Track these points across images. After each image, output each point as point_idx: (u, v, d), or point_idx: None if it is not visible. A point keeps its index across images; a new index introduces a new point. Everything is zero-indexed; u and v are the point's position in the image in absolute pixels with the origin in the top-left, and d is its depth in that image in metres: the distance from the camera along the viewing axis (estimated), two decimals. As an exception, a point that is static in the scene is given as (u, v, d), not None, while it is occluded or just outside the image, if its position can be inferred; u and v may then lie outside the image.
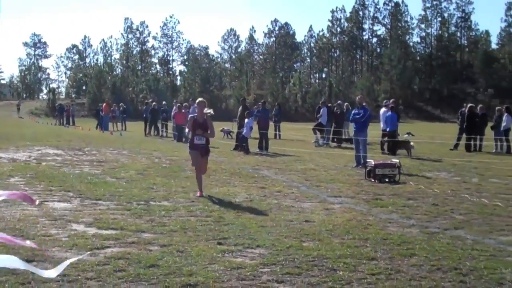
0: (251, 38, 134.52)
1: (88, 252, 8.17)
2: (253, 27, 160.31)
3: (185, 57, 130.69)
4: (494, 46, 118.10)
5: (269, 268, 7.74)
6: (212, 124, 14.56)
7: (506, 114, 28.84)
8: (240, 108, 30.59)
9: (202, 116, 14.33)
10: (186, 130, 14.96)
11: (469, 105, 31.02)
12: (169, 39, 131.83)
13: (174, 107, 38.69)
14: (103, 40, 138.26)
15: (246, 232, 9.83)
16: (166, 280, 7.02)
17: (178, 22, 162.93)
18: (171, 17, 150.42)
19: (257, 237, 9.42)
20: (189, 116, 15.35)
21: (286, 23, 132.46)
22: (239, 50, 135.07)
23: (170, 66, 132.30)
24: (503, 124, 28.54)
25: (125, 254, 8.19)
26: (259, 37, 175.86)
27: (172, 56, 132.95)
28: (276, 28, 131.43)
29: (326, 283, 7.08)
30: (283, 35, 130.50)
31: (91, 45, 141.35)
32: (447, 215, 11.91)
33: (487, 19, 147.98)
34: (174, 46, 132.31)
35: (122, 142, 33.10)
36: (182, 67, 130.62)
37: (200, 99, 15.15)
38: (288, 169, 20.19)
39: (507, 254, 8.64)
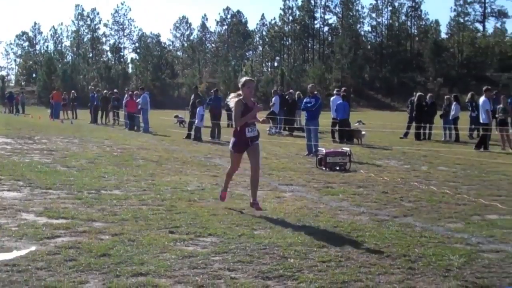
0: (203, 26, 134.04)
1: (34, 247, 8.11)
2: (205, 15, 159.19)
3: (137, 44, 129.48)
4: (443, 35, 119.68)
5: (220, 256, 7.77)
6: None
7: (454, 103, 29.28)
8: (193, 96, 30.54)
9: (250, 99, 11.01)
10: (240, 119, 10.86)
11: (418, 94, 31.43)
12: (121, 26, 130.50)
13: (126, 95, 38.39)
14: (53, 27, 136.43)
15: (198, 220, 9.85)
16: (117, 269, 7.00)
17: (130, 9, 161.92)
18: (122, 4, 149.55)
19: (209, 226, 9.44)
20: (235, 100, 10.90)
21: (238, 11, 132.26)
22: (191, 38, 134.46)
23: (122, 53, 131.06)
24: (452, 112, 28.96)
25: (76, 244, 8.14)
26: (211, 25, 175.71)
27: (124, 43, 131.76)
28: (228, 16, 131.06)
29: (277, 271, 7.14)
30: (235, 23, 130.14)
31: (41, 32, 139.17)
32: (397, 202, 12.07)
33: (437, 9, 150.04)
34: (125, 34, 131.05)
35: (73, 131, 32.77)
36: (133, 55, 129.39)
37: (247, 77, 11.33)
38: (240, 158, 20.20)
39: (455, 241, 8.80)
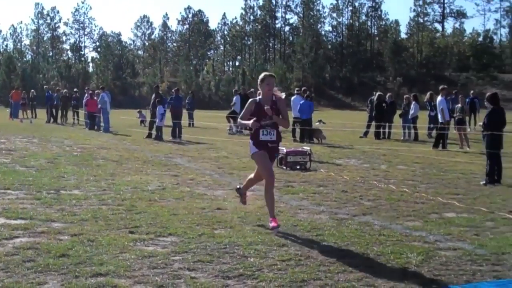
0: (164, 25, 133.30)
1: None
2: (166, 14, 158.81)
3: (97, 43, 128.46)
4: (403, 35, 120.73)
5: (180, 256, 7.77)
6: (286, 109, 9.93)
7: (414, 102, 29.57)
8: (153, 95, 30.43)
9: (270, 97, 9.58)
10: (240, 122, 9.83)
11: (378, 93, 31.69)
12: (81, 25, 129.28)
13: (86, 94, 38.07)
14: (12, 25, 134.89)
15: (158, 220, 9.83)
16: (76, 270, 6.96)
17: (90, 8, 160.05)
18: (83, 3, 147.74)
19: (169, 225, 9.43)
20: (249, 100, 9.89)
21: (199, 11, 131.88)
22: (153, 37, 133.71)
23: (82, 52, 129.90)
24: (411, 112, 29.25)
25: (35, 244, 8.07)
26: (173, 24, 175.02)
27: (84, 42, 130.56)
28: (190, 16, 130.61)
29: (237, 270, 7.16)
30: (196, 22, 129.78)
31: (0, 31, 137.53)
32: (356, 201, 12.18)
33: (397, 9, 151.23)
34: (86, 33, 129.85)
35: (32, 130, 32.43)
36: (94, 54, 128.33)
37: (266, 73, 9.92)
38: (201, 157, 20.23)
39: (413, 239, 8.91)
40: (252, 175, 10.22)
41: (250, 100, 9.83)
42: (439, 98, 24.69)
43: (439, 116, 24.40)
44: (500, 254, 8.05)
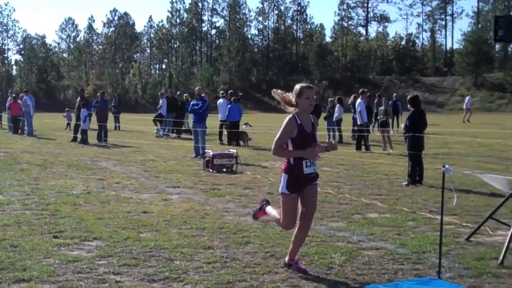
0: (90, 27, 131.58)
1: None
2: (92, 17, 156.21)
3: (21, 46, 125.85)
4: (328, 39, 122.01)
5: (106, 260, 7.73)
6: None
7: (338, 105, 29.96)
8: (78, 98, 30.06)
9: (309, 116, 7.59)
10: (285, 151, 7.40)
11: (303, 96, 31.96)
12: (4, 27, 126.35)
13: (10, 98, 37.28)
14: None
15: (83, 224, 9.75)
16: (-1, 276, 6.87)
17: (14, 10, 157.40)
18: (6, 4, 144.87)
19: (94, 230, 9.36)
20: (288, 117, 7.40)
21: (125, 13, 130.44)
22: (78, 39, 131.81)
23: (6, 55, 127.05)
24: (336, 114, 29.63)
25: (-45, 251, 7.92)
26: (98, 27, 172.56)
27: (8, 45, 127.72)
28: (116, 18, 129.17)
29: (162, 273, 7.17)
30: (122, 25, 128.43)
31: None
32: (282, 203, 12.29)
33: (322, 13, 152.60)
34: (9, 35, 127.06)
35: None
36: (18, 57, 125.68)
37: (303, 83, 7.73)
38: (127, 161, 20.10)
39: (337, 240, 9.06)
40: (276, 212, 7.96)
41: (288, 119, 7.34)
42: (358, 100, 25.19)
43: (357, 118, 24.89)
44: (421, 253, 8.27)
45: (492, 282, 7.05)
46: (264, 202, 8.32)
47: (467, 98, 52.16)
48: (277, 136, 7.35)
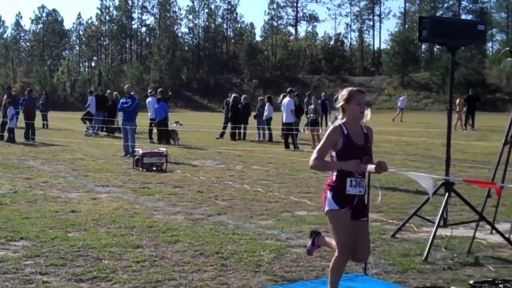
0: (17, 24, 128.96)
1: None
2: (19, 13, 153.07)
3: None
4: (258, 38, 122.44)
5: (32, 260, 7.64)
6: None
7: (268, 103, 30.15)
8: (5, 96, 29.49)
9: (359, 125, 6.39)
10: (325, 163, 6.37)
11: (233, 95, 32.09)
12: None
13: None
14: None
15: (9, 224, 9.60)
16: None
17: None
18: None
19: (21, 229, 9.23)
20: (332, 128, 6.33)
21: (54, 10, 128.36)
22: (5, 36, 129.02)
23: None
24: (265, 113, 29.81)
25: None
26: (26, 24, 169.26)
27: None
28: (44, 15, 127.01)
29: (91, 273, 7.13)
30: (51, 22, 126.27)
31: None
32: (211, 201, 12.34)
33: (252, 12, 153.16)
34: None
35: None
36: None
37: (352, 88, 6.56)
38: (55, 159, 19.82)
39: (266, 237, 9.16)
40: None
41: (333, 127, 6.30)
42: (286, 99, 25.46)
43: (284, 116, 25.19)
44: (348, 250, 8.42)
45: (416, 278, 7.24)
46: (314, 235, 7.02)
47: (402, 98, 53.02)
48: (318, 146, 6.38)
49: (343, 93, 6.39)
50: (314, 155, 6.24)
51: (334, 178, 6.23)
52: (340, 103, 6.36)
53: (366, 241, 6.28)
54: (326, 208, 6.24)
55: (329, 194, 6.23)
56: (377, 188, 8.85)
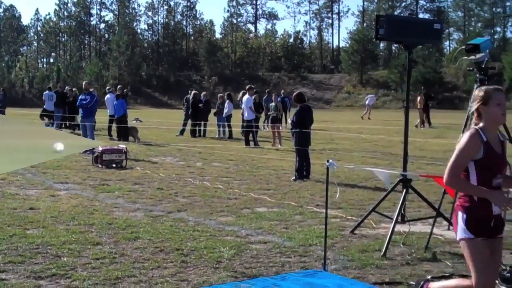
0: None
1: None
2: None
3: None
4: (218, 35, 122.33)
5: (-10, 257, 7.58)
6: None
7: (228, 101, 30.17)
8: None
9: (497, 131, 5.42)
10: (446, 173, 5.17)
11: (193, 92, 32.05)
12: None
13: None
14: None
15: (-34, 222, 9.50)
16: None
17: None
18: None
19: (-22, 227, 9.15)
20: (468, 133, 5.18)
21: (11, 5, 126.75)
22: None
23: None
24: (225, 110, 29.82)
25: None
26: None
27: None
28: (1, 10, 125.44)
29: (49, 270, 7.09)
30: (8, 17, 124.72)
31: None
32: (171, 198, 12.33)
33: (211, 9, 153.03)
34: None
35: None
36: None
37: (489, 87, 5.30)
38: (12, 157, 19.60)
39: (226, 234, 9.19)
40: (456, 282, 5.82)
41: (469, 135, 5.15)
42: (246, 97, 25.56)
43: (245, 114, 25.27)
44: (307, 246, 8.51)
45: (375, 273, 7.33)
46: (422, 282, 6.07)
47: (371, 96, 53.42)
48: (452, 159, 5.18)
49: (478, 94, 5.29)
50: (449, 170, 5.16)
51: (476, 198, 5.19)
52: (474, 106, 5.30)
53: (497, 261, 5.41)
54: (458, 236, 5.27)
55: (462, 217, 5.24)
56: (335, 185, 8.94)
